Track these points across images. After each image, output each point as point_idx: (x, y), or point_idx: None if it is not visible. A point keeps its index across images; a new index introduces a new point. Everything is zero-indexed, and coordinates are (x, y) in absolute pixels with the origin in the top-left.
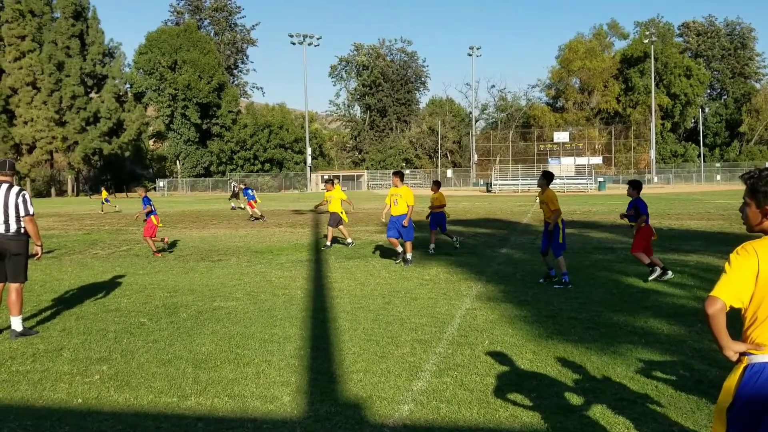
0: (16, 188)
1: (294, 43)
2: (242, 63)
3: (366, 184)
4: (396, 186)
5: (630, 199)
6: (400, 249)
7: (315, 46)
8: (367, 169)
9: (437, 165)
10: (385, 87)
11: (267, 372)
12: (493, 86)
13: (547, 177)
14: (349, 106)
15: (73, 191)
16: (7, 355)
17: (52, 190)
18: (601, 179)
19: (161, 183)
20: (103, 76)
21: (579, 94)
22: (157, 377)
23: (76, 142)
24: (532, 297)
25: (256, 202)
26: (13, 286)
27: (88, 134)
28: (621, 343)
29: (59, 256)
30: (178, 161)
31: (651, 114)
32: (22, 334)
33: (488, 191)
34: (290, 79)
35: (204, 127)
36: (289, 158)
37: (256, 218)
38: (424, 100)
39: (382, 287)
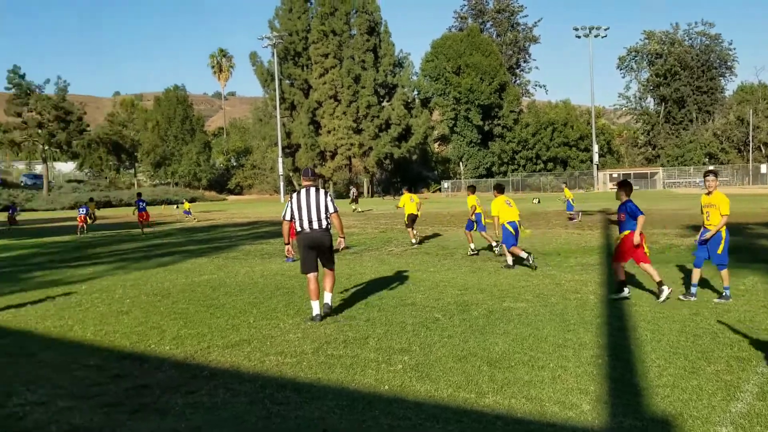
0: (321, 190)
1: (579, 36)
2: (524, 62)
3: (661, 182)
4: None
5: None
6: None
7: (602, 37)
8: (662, 166)
9: (748, 159)
10: (682, 75)
11: (563, 377)
12: None
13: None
14: (640, 99)
15: (368, 193)
16: (323, 341)
17: (351, 192)
18: None
19: (445, 184)
20: (393, 86)
21: None
22: (455, 372)
23: (371, 148)
24: None
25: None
26: (329, 272)
27: (380, 140)
28: None
29: (360, 252)
30: (461, 163)
31: None
32: (329, 308)
33: None
34: (575, 74)
35: (486, 128)
36: (574, 156)
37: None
38: (731, 87)
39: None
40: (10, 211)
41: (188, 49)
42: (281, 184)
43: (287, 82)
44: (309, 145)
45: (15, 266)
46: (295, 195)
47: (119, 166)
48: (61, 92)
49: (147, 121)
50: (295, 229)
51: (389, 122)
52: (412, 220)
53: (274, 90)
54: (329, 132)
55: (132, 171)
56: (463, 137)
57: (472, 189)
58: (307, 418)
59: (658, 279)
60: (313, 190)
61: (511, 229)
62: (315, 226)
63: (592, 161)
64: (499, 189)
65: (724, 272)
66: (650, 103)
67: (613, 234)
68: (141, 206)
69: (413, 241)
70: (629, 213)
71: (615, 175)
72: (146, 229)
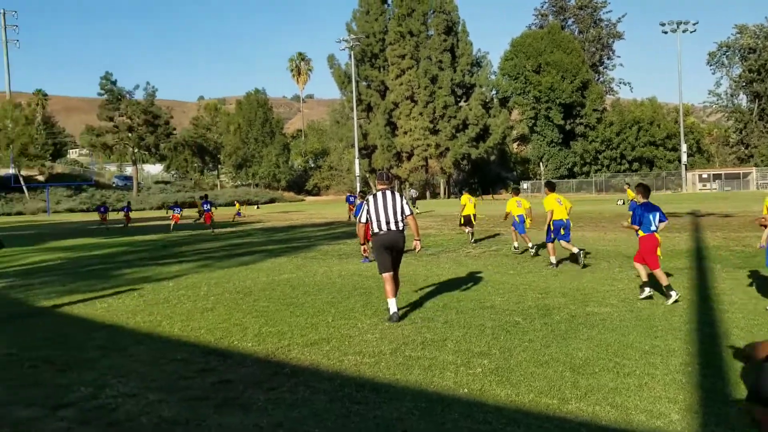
0: (396, 193)
1: (666, 32)
2: (608, 59)
3: (755, 182)
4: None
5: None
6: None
7: (690, 32)
8: (755, 166)
9: None
10: None
11: (650, 385)
12: None
13: None
14: (732, 96)
15: (444, 194)
16: (401, 341)
17: (427, 194)
18: None
19: (525, 185)
20: (471, 85)
21: None
22: (536, 377)
23: (447, 149)
24: None
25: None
26: (389, 276)
27: (457, 140)
28: None
29: (437, 254)
30: (541, 163)
31: None
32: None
33: None
34: (661, 71)
35: (567, 127)
36: (661, 156)
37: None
38: None
39: None
40: (125, 210)
41: (268, 54)
42: (358, 185)
43: (364, 83)
44: (385, 146)
45: (107, 263)
46: (371, 198)
47: (203, 168)
48: (149, 97)
49: (229, 125)
50: (372, 231)
51: (466, 122)
52: (468, 220)
53: (351, 92)
54: (405, 133)
55: (215, 172)
56: (544, 137)
57: (515, 191)
58: (386, 419)
59: (665, 283)
60: (389, 192)
61: (552, 228)
62: (392, 227)
63: (680, 161)
64: (550, 186)
65: None
66: (743, 100)
67: (702, 236)
68: (206, 207)
69: (472, 240)
70: (639, 215)
71: (705, 176)
72: (216, 230)
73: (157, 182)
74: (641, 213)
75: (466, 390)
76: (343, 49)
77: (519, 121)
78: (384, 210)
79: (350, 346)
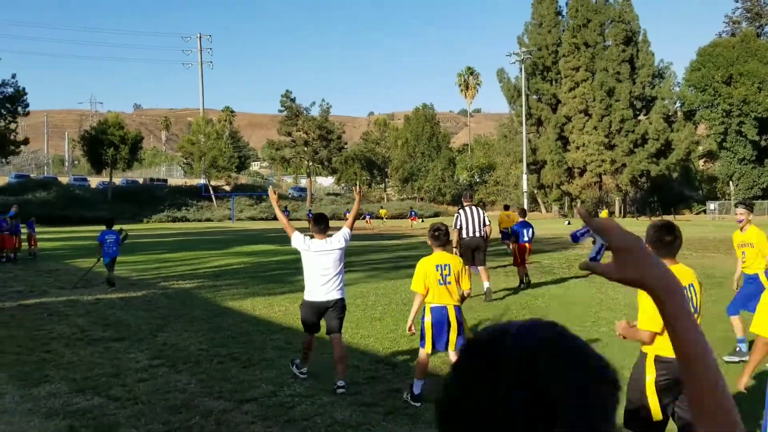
0: (480, 208)
1: None
2: None
3: None
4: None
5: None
6: None
7: None
8: None
9: None
10: None
11: None
12: None
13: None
14: None
15: (620, 212)
16: None
17: (599, 212)
18: None
19: (711, 206)
20: (651, 98)
21: None
22: None
23: (624, 165)
24: None
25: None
26: (484, 269)
27: (635, 156)
28: None
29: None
30: (731, 182)
31: None
32: (490, 292)
33: None
34: None
35: (762, 144)
36: None
37: None
38: None
39: None
40: (412, 214)
41: (436, 69)
42: (525, 200)
43: (534, 97)
44: (556, 161)
45: (284, 269)
46: (462, 211)
47: (371, 181)
48: (324, 113)
49: (397, 139)
50: (460, 236)
51: (646, 137)
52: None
53: (521, 106)
54: (578, 148)
55: (382, 186)
56: (734, 154)
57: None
58: None
59: (522, 275)
60: (474, 208)
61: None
62: (477, 234)
63: None
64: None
65: None
66: None
67: None
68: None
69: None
70: (517, 230)
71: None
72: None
73: (328, 194)
74: (518, 229)
75: None
76: (513, 63)
77: (706, 136)
78: (471, 221)
79: None
